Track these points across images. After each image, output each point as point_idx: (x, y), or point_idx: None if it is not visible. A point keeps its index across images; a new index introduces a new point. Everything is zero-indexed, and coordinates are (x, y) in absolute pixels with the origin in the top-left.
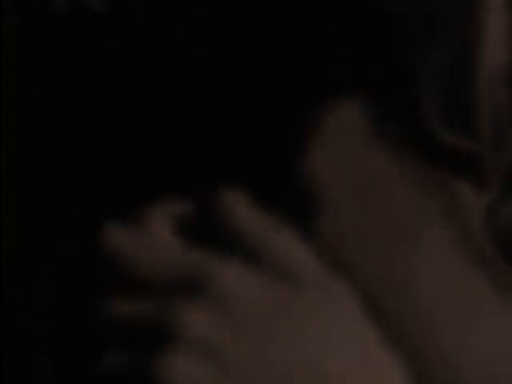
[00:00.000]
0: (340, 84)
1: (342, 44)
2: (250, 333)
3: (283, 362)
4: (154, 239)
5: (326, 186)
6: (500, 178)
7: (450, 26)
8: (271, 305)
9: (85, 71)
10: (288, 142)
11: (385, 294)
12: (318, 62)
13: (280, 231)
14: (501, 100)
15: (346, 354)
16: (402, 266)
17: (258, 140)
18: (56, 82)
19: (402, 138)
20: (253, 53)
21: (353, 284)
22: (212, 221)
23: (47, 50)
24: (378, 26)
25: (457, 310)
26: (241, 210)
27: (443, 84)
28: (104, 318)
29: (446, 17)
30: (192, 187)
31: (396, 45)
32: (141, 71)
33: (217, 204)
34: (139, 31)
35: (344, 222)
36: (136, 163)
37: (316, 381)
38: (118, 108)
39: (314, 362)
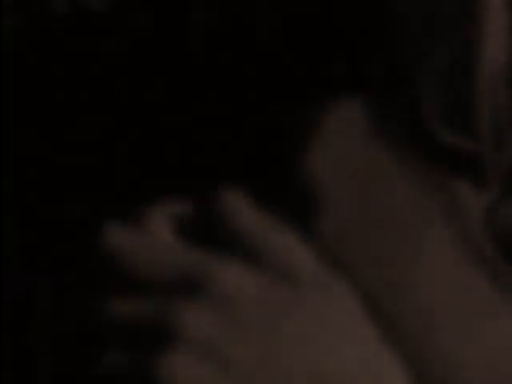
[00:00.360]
0: (340, 84)
1: (341, 44)
2: (250, 333)
3: (283, 361)
4: (153, 239)
5: (326, 186)
6: (500, 178)
7: (450, 26)
8: (271, 305)
9: (85, 71)
10: (288, 141)
11: (385, 294)
12: (317, 62)
13: (280, 231)
14: (501, 100)
15: (346, 354)
16: (402, 266)
17: (258, 140)
18: (56, 82)
19: (402, 137)
20: (253, 52)
21: (353, 284)
22: (212, 221)
23: (47, 50)
24: (378, 26)
25: (457, 309)
26: (241, 209)
27: (443, 84)
28: (104, 318)
29: (446, 17)
30: (192, 187)
31: (396, 45)
32: (141, 71)
33: (217, 204)
34: (139, 31)
35: (344, 222)
36: (136, 164)
37: (316, 381)
38: (118, 108)
39: (314, 363)
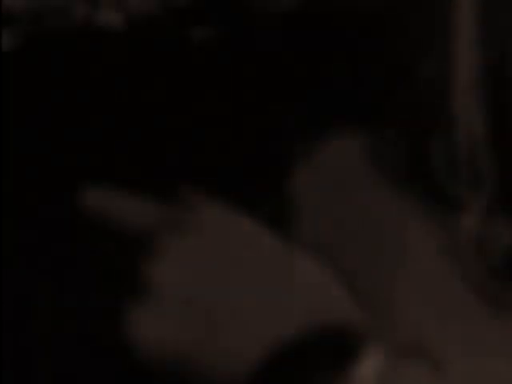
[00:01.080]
0: (340, 84)
1: (341, 44)
2: None
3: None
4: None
5: (307, 198)
6: (486, 194)
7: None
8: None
9: (85, 71)
10: (288, 141)
11: (370, 308)
12: (317, 62)
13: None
14: (476, 114)
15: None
16: (388, 278)
17: (258, 140)
18: (56, 82)
19: (394, 156)
20: (253, 52)
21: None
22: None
23: (47, 51)
24: (378, 26)
25: (444, 323)
26: None
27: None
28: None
29: (428, 30)
30: (177, 187)
31: (396, 45)
32: (141, 71)
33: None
34: (151, 48)
35: (321, 231)
36: (136, 164)
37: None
38: (118, 108)
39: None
